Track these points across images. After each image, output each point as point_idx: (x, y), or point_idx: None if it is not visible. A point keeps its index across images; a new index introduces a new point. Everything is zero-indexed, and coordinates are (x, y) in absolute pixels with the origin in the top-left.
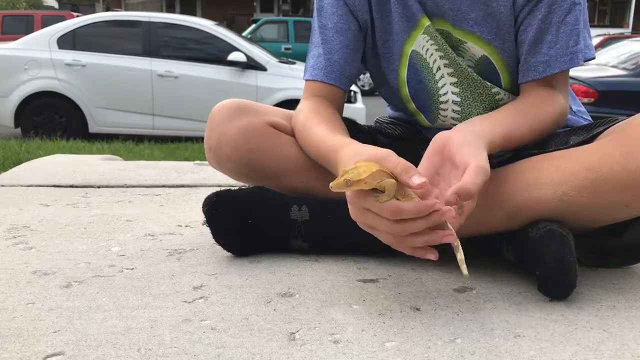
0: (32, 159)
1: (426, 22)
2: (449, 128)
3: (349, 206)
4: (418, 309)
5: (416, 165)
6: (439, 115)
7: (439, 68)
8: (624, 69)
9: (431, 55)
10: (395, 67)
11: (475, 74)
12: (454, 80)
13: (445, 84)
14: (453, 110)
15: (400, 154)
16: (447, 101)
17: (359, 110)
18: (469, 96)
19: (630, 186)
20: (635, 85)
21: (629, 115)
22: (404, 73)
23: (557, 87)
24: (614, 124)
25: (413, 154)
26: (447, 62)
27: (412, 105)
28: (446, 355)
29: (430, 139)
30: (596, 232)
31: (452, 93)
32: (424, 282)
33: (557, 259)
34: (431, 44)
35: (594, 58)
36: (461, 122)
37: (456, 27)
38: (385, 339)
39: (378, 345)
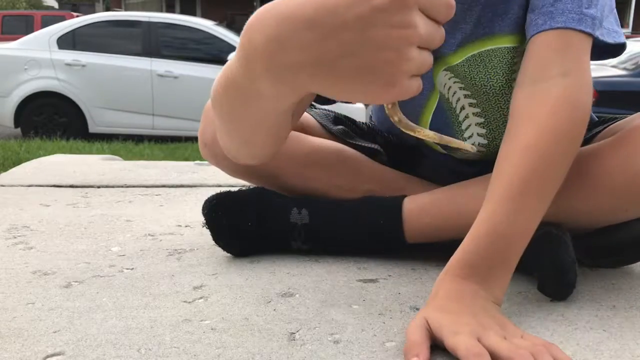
0: (32, 159)
1: (453, 60)
2: (464, 159)
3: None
4: (418, 309)
5: (412, 168)
6: (459, 151)
7: (462, 108)
8: (624, 69)
9: (454, 94)
10: (419, 110)
11: (502, 103)
12: (477, 110)
13: (470, 125)
14: (479, 144)
15: (397, 156)
16: (471, 136)
17: (358, 110)
18: (495, 131)
19: (629, 191)
20: (635, 85)
21: (629, 115)
22: (428, 116)
23: (567, 63)
24: (612, 123)
25: (410, 156)
26: (468, 92)
27: (430, 141)
28: (446, 355)
29: (428, 156)
30: (596, 231)
31: (478, 135)
32: (424, 282)
33: (555, 260)
34: (449, 78)
35: (624, 44)
36: (486, 152)
37: (491, 35)
38: (385, 339)
39: (378, 345)
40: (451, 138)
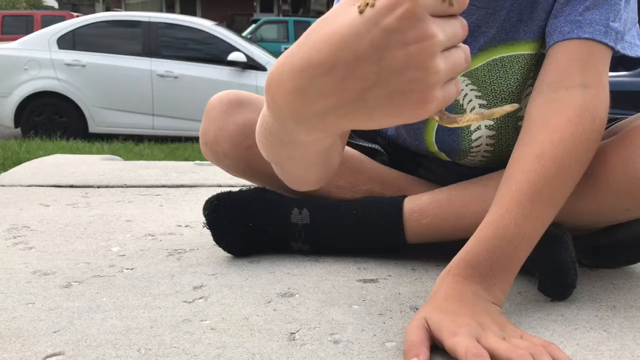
0: (32, 159)
1: (473, 64)
2: (469, 165)
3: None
4: (418, 309)
5: (410, 170)
6: (465, 159)
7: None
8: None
9: (470, 102)
10: (424, 120)
11: (518, 118)
12: (490, 123)
13: (481, 136)
14: (485, 151)
15: (397, 156)
16: (479, 145)
17: None
18: (503, 138)
19: (630, 191)
20: (635, 85)
21: (629, 115)
22: (434, 125)
23: (588, 77)
24: (613, 124)
25: (410, 156)
26: (484, 102)
27: (435, 148)
28: (446, 355)
29: (428, 156)
30: (596, 231)
31: (487, 144)
32: (424, 282)
33: (555, 261)
34: (466, 84)
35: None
36: (489, 158)
37: (514, 41)
38: (385, 339)
39: (378, 345)
40: (492, 110)
